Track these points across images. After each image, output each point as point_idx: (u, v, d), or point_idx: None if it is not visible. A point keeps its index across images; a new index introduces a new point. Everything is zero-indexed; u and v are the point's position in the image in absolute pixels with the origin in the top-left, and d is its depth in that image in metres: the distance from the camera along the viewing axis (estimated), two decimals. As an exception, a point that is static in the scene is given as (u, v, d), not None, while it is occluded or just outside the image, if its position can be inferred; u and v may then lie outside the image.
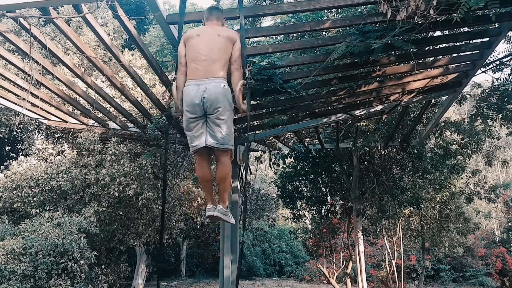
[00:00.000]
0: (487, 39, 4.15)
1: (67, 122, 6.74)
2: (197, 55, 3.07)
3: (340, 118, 6.31)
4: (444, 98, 6.19)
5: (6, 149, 13.14)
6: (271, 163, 9.39)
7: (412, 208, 11.06)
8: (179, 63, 3.18)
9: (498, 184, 15.82)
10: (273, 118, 5.71)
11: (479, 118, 6.86)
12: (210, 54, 3.05)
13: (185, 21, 3.46)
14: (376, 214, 10.77)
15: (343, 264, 12.95)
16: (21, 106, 5.61)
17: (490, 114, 6.60)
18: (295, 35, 4.91)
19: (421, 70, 4.88)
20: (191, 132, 3.10)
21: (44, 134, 9.32)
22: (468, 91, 8.34)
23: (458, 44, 4.48)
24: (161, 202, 8.31)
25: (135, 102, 5.68)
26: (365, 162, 10.34)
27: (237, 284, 3.63)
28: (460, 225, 11.93)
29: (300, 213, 12.28)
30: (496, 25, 3.93)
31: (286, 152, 9.54)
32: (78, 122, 6.88)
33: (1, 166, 8.84)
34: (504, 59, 5.27)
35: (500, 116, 6.53)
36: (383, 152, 9.89)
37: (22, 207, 7.18)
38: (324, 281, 17.06)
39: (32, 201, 7.15)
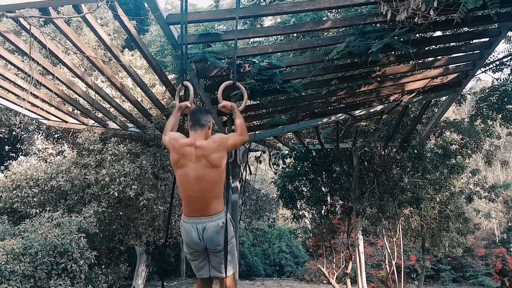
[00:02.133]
0: (487, 39, 4.15)
1: (67, 122, 6.74)
2: (188, 193, 2.92)
3: (340, 118, 6.31)
4: (444, 98, 6.19)
5: (6, 149, 13.13)
6: (271, 163, 9.39)
7: (412, 208, 11.06)
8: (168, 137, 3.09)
9: (498, 184, 15.82)
10: (273, 118, 5.71)
11: (479, 118, 6.86)
12: (202, 190, 2.88)
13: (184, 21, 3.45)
14: (376, 214, 10.77)
15: (343, 264, 12.95)
16: (21, 106, 5.61)
17: (490, 114, 6.60)
18: (295, 35, 4.91)
19: (421, 70, 4.88)
20: (194, 262, 3.13)
21: (44, 134, 9.32)
22: (468, 91, 8.33)
23: (458, 44, 4.48)
24: (163, 202, 8.32)
25: (135, 102, 5.69)
26: (365, 162, 10.34)
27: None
28: (460, 225, 11.93)
29: (300, 213, 12.28)
30: (496, 25, 3.93)
31: (286, 152, 9.55)
32: (78, 122, 6.88)
33: (1, 166, 8.84)
34: (504, 59, 5.27)
35: (500, 116, 6.53)
36: (383, 152, 9.89)
37: (22, 207, 7.18)
38: (324, 281, 17.05)
39: (32, 201, 7.14)
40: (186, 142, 2.96)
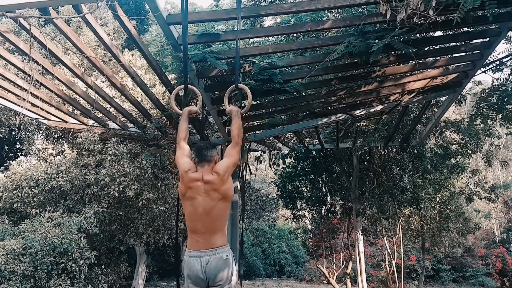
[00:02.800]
0: (487, 39, 4.15)
1: (67, 122, 6.75)
2: (195, 224, 3.01)
3: (340, 118, 6.31)
4: (444, 98, 6.19)
5: (6, 149, 13.13)
6: (271, 163, 9.39)
7: (412, 208, 11.06)
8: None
9: (498, 184, 15.81)
10: (273, 118, 5.71)
11: (479, 118, 6.86)
12: (209, 223, 2.98)
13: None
14: (376, 214, 10.76)
15: (343, 264, 12.95)
16: (21, 106, 5.61)
17: (490, 114, 6.60)
18: (295, 35, 4.91)
19: (421, 71, 4.88)
20: None
21: (44, 134, 9.33)
22: (468, 91, 8.33)
23: (458, 44, 4.48)
24: (163, 202, 8.32)
25: (135, 102, 5.69)
26: (365, 162, 10.34)
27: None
28: (460, 225, 11.93)
29: (300, 213, 12.28)
30: (496, 25, 3.93)
31: (286, 152, 9.54)
32: (78, 122, 6.89)
33: (1, 166, 8.85)
34: (504, 59, 5.26)
35: (500, 116, 6.53)
36: (383, 152, 9.89)
37: (22, 207, 7.18)
38: (324, 281, 17.05)
39: (32, 201, 7.14)
40: (196, 177, 3.02)
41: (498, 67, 5.45)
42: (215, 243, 2.99)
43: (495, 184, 13.09)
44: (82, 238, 6.29)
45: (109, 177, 6.92)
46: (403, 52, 3.91)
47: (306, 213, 13.55)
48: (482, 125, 8.66)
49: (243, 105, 3.57)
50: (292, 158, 10.64)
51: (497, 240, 22.18)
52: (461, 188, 11.45)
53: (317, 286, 17.69)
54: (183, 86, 3.51)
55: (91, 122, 6.99)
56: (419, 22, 3.12)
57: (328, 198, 12.39)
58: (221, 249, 3.01)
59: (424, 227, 11.72)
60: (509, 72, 5.64)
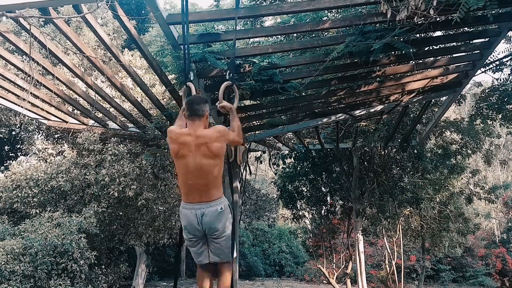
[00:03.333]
0: (487, 39, 4.15)
1: (67, 122, 6.74)
2: (187, 177, 2.96)
3: (340, 118, 6.31)
4: (444, 98, 6.19)
5: (6, 149, 13.13)
6: (271, 163, 9.39)
7: (412, 208, 11.06)
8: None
9: (498, 185, 15.81)
10: (273, 118, 5.71)
11: (479, 118, 6.85)
12: (200, 177, 2.93)
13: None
14: (376, 214, 10.76)
15: (343, 264, 12.95)
16: (21, 106, 5.61)
17: (490, 114, 6.60)
18: (295, 35, 4.91)
19: (421, 70, 4.88)
20: (193, 249, 3.18)
21: (44, 134, 9.32)
22: (468, 91, 8.34)
23: (458, 44, 4.47)
24: (163, 202, 8.32)
25: (135, 102, 5.69)
26: (365, 162, 10.33)
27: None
28: (460, 225, 11.92)
29: (300, 213, 12.28)
30: (496, 25, 3.93)
31: (286, 152, 9.54)
32: (78, 122, 6.88)
33: (1, 166, 8.85)
34: (504, 59, 5.26)
35: (500, 116, 6.53)
36: (383, 152, 9.89)
37: (22, 207, 7.18)
38: (324, 281, 17.05)
39: (32, 201, 7.14)
40: (185, 132, 3.00)
41: (498, 67, 5.45)
42: (209, 197, 2.97)
43: (495, 185, 13.08)
44: (82, 238, 6.29)
45: (109, 177, 6.92)
46: (403, 52, 3.92)
47: (306, 213, 13.55)
48: (482, 125, 8.66)
49: (233, 100, 3.57)
50: (292, 158, 10.63)
51: (497, 240, 22.18)
52: (461, 189, 11.45)
53: (317, 286, 17.69)
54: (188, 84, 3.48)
55: (91, 122, 6.99)
56: (419, 22, 3.12)
57: (328, 198, 12.39)
58: (216, 202, 2.99)
59: (424, 227, 11.71)
60: (509, 72, 5.64)
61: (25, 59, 5.50)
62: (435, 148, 9.59)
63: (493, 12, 3.16)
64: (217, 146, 2.94)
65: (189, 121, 3.01)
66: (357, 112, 6.12)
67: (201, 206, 2.96)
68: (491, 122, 7.74)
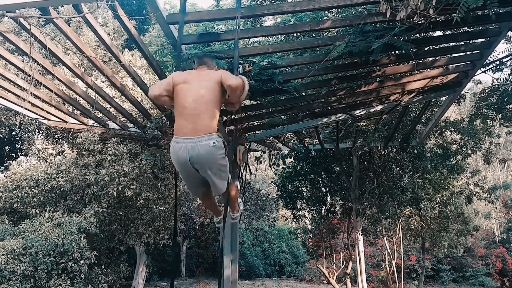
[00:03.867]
0: (487, 39, 4.15)
1: (67, 122, 6.74)
2: (183, 109, 2.87)
3: (340, 118, 6.31)
4: (444, 98, 6.19)
5: (6, 149, 13.14)
6: (271, 163, 9.39)
7: (412, 208, 11.06)
8: (157, 86, 2.98)
9: (498, 185, 15.80)
10: (273, 118, 5.71)
11: (478, 118, 6.86)
12: (196, 108, 2.84)
13: (185, 21, 3.46)
14: (376, 214, 10.77)
15: (343, 264, 12.95)
16: (21, 106, 5.61)
17: (490, 114, 6.60)
18: (295, 35, 4.91)
19: (421, 70, 4.88)
20: (188, 183, 3.16)
21: (44, 134, 9.32)
22: (468, 91, 8.34)
23: (458, 44, 4.48)
24: (163, 202, 8.31)
25: (135, 102, 5.69)
26: (365, 162, 10.34)
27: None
28: (460, 225, 11.93)
29: (300, 213, 12.28)
30: (496, 25, 3.93)
31: (286, 152, 9.54)
32: (78, 122, 6.88)
33: (1, 166, 8.84)
34: (504, 59, 5.26)
35: (500, 116, 6.53)
36: (383, 152, 9.89)
37: (22, 207, 7.18)
38: (324, 281, 17.05)
39: (32, 201, 7.14)
40: (192, 71, 3.07)
41: (498, 67, 5.45)
42: (202, 129, 2.82)
43: (494, 185, 13.06)
44: (82, 238, 6.29)
45: (108, 177, 6.92)
46: (403, 52, 3.92)
47: (306, 213, 13.55)
48: (481, 125, 8.66)
49: None
50: (292, 158, 10.63)
51: (497, 240, 22.19)
52: (460, 189, 11.45)
53: (317, 286, 17.69)
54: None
55: (91, 122, 6.99)
56: (419, 22, 3.12)
57: (328, 198, 12.39)
58: (208, 136, 2.82)
59: (424, 227, 11.72)
60: (509, 72, 5.64)
61: (25, 59, 5.50)
62: (435, 148, 9.59)
63: (493, 11, 3.16)
64: (218, 81, 2.88)
65: (197, 68, 3.10)
66: (357, 112, 6.12)
67: (192, 140, 2.81)
68: (491, 122, 7.74)
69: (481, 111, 6.57)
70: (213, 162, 2.88)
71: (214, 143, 2.82)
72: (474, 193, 11.36)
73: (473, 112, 6.91)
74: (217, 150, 2.86)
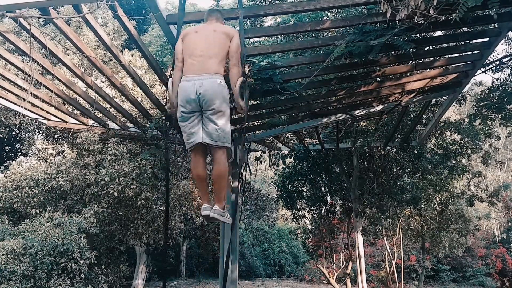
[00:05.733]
0: (487, 39, 4.15)
1: (67, 122, 6.74)
2: (194, 51, 3.08)
3: (340, 118, 6.31)
4: (444, 98, 6.19)
5: (6, 149, 13.14)
6: (271, 163, 9.39)
7: (412, 209, 11.06)
8: (176, 59, 3.20)
9: (498, 185, 15.79)
10: (273, 118, 5.71)
11: (478, 118, 6.85)
12: (206, 50, 3.05)
13: (184, 21, 3.47)
14: (376, 214, 10.77)
15: (343, 264, 12.95)
16: (21, 106, 5.61)
17: (489, 115, 6.60)
18: (295, 35, 4.91)
19: (421, 70, 4.88)
20: (186, 126, 3.09)
21: (44, 134, 9.32)
22: (468, 91, 8.34)
23: (458, 44, 4.48)
24: (163, 202, 8.32)
25: (135, 102, 5.69)
26: (365, 162, 10.33)
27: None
28: (460, 225, 11.92)
29: (300, 213, 12.28)
30: (496, 25, 3.93)
31: (286, 152, 9.54)
32: (78, 122, 6.88)
33: (1, 166, 8.84)
34: (504, 59, 5.27)
35: (500, 116, 6.53)
36: (383, 152, 9.89)
37: (22, 207, 7.18)
38: (324, 281, 17.05)
39: (32, 202, 7.14)
40: (201, 24, 3.33)
41: (498, 67, 5.45)
42: (210, 68, 3.01)
43: (497, 189, 13.01)
44: (82, 238, 6.29)
45: (108, 176, 6.92)
46: (403, 52, 3.92)
47: (306, 213, 13.55)
48: (481, 126, 8.65)
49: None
50: (292, 158, 10.63)
51: (497, 240, 22.19)
52: (462, 190, 11.45)
53: (317, 286, 17.69)
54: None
55: (91, 122, 6.99)
56: (419, 22, 3.12)
57: (328, 198, 12.39)
58: (216, 75, 3.02)
59: (424, 227, 11.72)
60: (509, 72, 5.64)
61: (25, 59, 5.51)
62: (434, 149, 9.60)
63: (494, 11, 3.16)
64: (228, 35, 3.14)
65: (207, 21, 3.31)
66: (357, 112, 6.12)
67: (200, 77, 2.98)
68: (490, 123, 7.74)
69: (481, 111, 6.56)
70: (219, 98, 2.99)
71: (220, 81, 3.02)
72: (477, 196, 11.32)
73: (473, 112, 6.91)
74: (222, 89, 3.03)
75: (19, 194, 7.13)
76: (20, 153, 12.25)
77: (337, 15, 5.01)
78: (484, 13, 3.46)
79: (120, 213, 7.76)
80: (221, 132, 3.03)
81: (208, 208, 3.22)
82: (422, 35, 4.17)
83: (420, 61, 4.72)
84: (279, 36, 5.47)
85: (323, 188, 11.77)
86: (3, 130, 10.73)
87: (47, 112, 6.20)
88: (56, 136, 8.83)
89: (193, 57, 3.06)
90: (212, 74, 3.00)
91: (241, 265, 17.59)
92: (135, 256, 12.29)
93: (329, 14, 5.10)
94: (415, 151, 9.31)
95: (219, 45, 3.10)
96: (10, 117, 9.85)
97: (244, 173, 6.50)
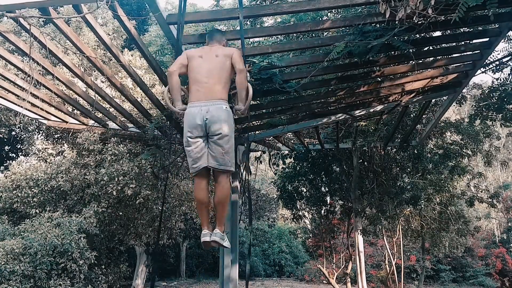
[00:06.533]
0: (487, 39, 4.15)
1: (67, 122, 6.74)
2: (198, 78, 3.17)
3: (340, 118, 6.31)
4: (444, 98, 6.19)
5: (6, 149, 13.14)
6: (271, 163, 9.39)
7: (412, 209, 11.05)
8: (174, 65, 3.27)
9: (498, 185, 15.79)
10: (273, 118, 5.71)
11: (478, 118, 6.85)
12: (210, 77, 3.15)
13: (185, 21, 3.46)
14: (376, 214, 10.78)
15: (343, 264, 12.95)
16: (21, 106, 5.61)
17: (489, 115, 6.59)
18: (295, 35, 4.91)
19: (421, 71, 4.88)
20: (192, 153, 3.14)
21: (44, 134, 9.32)
22: (468, 91, 8.33)
23: (458, 44, 4.48)
24: (166, 202, 8.32)
25: (135, 102, 5.69)
26: (365, 162, 10.33)
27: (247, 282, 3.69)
28: (460, 226, 11.92)
29: (300, 213, 12.28)
30: (496, 25, 3.93)
31: (286, 152, 9.54)
32: (78, 122, 6.88)
33: (1, 166, 8.84)
34: (504, 59, 5.26)
35: (500, 116, 6.53)
36: (383, 152, 9.89)
37: (22, 207, 7.18)
38: (324, 282, 17.05)
39: (32, 201, 7.14)
40: (205, 47, 3.39)
41: (498, 67, 5.45)
42: (216, 95, 3.12)
43: (497, 191, 13.00)
44: (82, 238, 6.29)
45: (108, 176, 6.92)
46: (403, 52, 3.92)
47: (306, 213, 13.55)
48: (481, 126, 8.66)
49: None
50: (292, 158, 10.64)
51: (497, 240, 22.18)
52: (462, 190, 11.44)
53: (317, 286, 17.69)
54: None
55: (91, 122, 6.99)
56: (418, 22, 3.12)
57: (328, 198, 12.38)
58: (221, 101, 3.12)
59: (424, 227, 11.72)
60: (509, 72, 5.64)
61: (25, 59, 5.50)
62: (434, 149, 9.59)
63: (492, 11, 3.16)
64: (230, 57, 3.22)
65: (209, 44, 3.39)
66: (357, 112, 6.11)
67: (207, 103, 3.09)
68: (491, 123, 7.74)
69: (481, 111, 6.56)
70: (225, 123, 3.08)
71: (226, 107, 3.13)
72: (476, 197, 11.31)
73: (473, 112, 6.90)
74: (228, 114, 3.13)
75: (19, 194, 7.13)
76: (20, 153, 12.25)
77: (337, 15, 5.01)
78: (484, 13, 3.46)
79: (120, 213, 7.77)
80: (227, 156, 3.12)
81: (207, 234, 3.23)
82: (422, 35, 4.17)
83: (420, 61, 4.71)
84: (279, 36, 5.47)
85: (323, 188, 11.77)
86: (3, 130, 10.72)
87: (47, 112, 6.19)
88: (56, 136, 8.83)
89: (198, 84, 3.16)
90: (218, 100, 3.11)
91: (241, 265, 17.58)
92: (135, 256, 12.28)
93: (329, 14, 5.10)
94: (415, 151, 9.31)
95: (222, 70, 3.19)
96: (10, 117, 9.85)
97: (244, 173, 6.51)
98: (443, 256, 17.18)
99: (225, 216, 3.36)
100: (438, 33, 4.35)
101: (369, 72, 4.73)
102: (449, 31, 4.25)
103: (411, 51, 3.88)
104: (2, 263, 5.41)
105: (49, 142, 8.83)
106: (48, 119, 6.59)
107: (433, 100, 6.70)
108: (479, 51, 4.41)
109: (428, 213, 11.20)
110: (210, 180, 3.37)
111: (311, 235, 17.43)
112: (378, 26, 3.47)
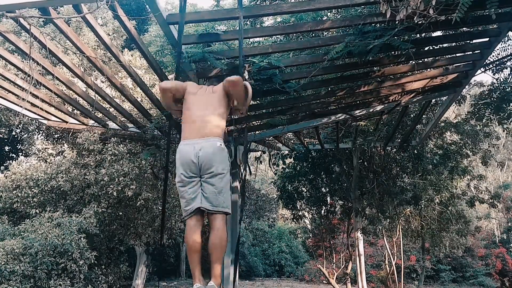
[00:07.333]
0: (487, 39, 4.15)
1: (67, 122, 6.74)
2: (192, 116, 3.06)
3: (340, 118, 6.31)
4: (444, 98, 6.19)
5: (6, 149, 13.13)
6: (271, 164, 9.38)
7: (412, 209, 11.05)
8: (170, 82, 3.29)
9: (498, 185, 15.78)
10: (273, 118, 5.71)
11: (478, 118, 6.85)
12: (204, 115, 3.03)
13: (185, 21, 3.46)
14: (376, 214, 10.78)
15: (343, 264, 12.95)
16: (21, 106, 5.61)
17: (489, 114, 6.60)
18: (294, 34, 4.91)
19: (421, 70, 4.88)
20: (186, 194, 2.94)
21: (44, 134, 9.32)
22: (468, 91, 8.33)
23: (458, 44, 4.48)
24: (162, 202, 8.31)
25: (135, 102, 5.69)
26: (365, 162, 10.33)
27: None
28: (460, 226, 11.93)
29: (300, 213, 12.28)
30: (496, 25, 3.93)
31: (286, 152, 9.54)
32: (78, 122, 6.88)
33: (1, 166, 8.84)
34: (504, 59, 5.27)
35: (500, 116, 6.53)
36: (383, 152, 9.89)
37: (22, 208, 7.18)
38: (324, 282, 17.05)
39: (32, 202, 7.14)
40: (204, 86, 3.36)
41: (498, 67, 5.46)
42: (210, 132, 2.98)
43: (497, 192, 12.98)
44: (82, 238, 6.29)
45: (108, 176, 6.92)
46: (403, 52, 3.92)
47: (306, 213, 13.55)
48: (480, 126, 8.65)
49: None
50: (292, 158, 10.64)
51: (497, 240, 22.19)
52: (463, 191, 11.43)
53: (317, 286, 17.69)
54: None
55: (91, 122, 6.99)
56: (419, 22, 3.12)
57: (328, 198, 12.38)
58: (215, 138, 2.97)
59: (424, 227, 11.72)
60: (509, 72, 5.65)
61: (25, 59, 5.50)
62: (435, 149, 9.59)
63: (492, 11, 3.16)
64: (222, 89, 3.15)
65: (207, 86, 3.38)
66: (357, 112, 6.11)
67: (200, 141, 2.94)
68: (490, 123, 7.73)
69: (481, 111, 6.56)
70: (218, 160, 2.92)
71: (220, 144, 2.98)
72: (477, 198, 11.30)
73: (473, 112, 6.91)
74: (223, 152, 2.98)
75: (19, 194, 7.13)
76: (20, 153, 12.25)
77: (337, 15, 5.01)
78: (484, 13, 3.46)
79: (120, 213, 7.76)
80: (220, 196, 2.90)
81: None
82: (422, 35, 4.17)
83: (420, 61, 4.71)
84: (278, 36, 5.47)
85: (323, 188, 11.77)
86: (3, 130, 10.72)
87: (47, 112, 6.20)
88: (56, 136, 8.83)
89: (192, 123, 3.04)
90: (211, 137, 2.95)
91: (241, 265, 17.59)
92: (135, 256, 12.27)
93: (329, 14, 5.10)
94: (415, 151, 9.31)
95: (218, 105, 3.10)
96: (10, 117, 9.85)
97: (244, 173, 6.50)
98: (443, 256, 17.19)
99: (221, 266, 3.07)
100: (438, 33, 4.36)
101: (369, 72, 4.73)
102: (449, 31, 4.25)
103: (411, 51, 3.88)
104: (2, 263, 5.41)
105: (49, 142, 8.83)
106: (48, 119, 6.59)
107: (433, 100, 6.70)
108: (479, 51, 4.41)
109: (428, 213, 11.20)
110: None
111: (311, 235, 17.44)
112: (378, 26, 3.47)
